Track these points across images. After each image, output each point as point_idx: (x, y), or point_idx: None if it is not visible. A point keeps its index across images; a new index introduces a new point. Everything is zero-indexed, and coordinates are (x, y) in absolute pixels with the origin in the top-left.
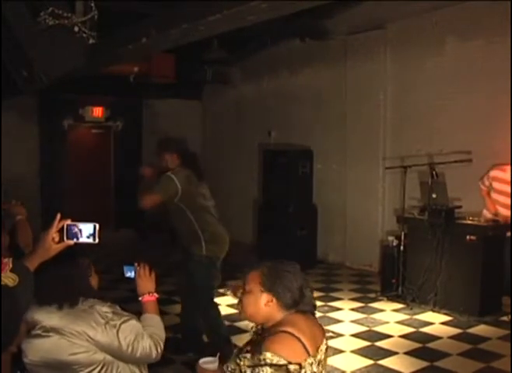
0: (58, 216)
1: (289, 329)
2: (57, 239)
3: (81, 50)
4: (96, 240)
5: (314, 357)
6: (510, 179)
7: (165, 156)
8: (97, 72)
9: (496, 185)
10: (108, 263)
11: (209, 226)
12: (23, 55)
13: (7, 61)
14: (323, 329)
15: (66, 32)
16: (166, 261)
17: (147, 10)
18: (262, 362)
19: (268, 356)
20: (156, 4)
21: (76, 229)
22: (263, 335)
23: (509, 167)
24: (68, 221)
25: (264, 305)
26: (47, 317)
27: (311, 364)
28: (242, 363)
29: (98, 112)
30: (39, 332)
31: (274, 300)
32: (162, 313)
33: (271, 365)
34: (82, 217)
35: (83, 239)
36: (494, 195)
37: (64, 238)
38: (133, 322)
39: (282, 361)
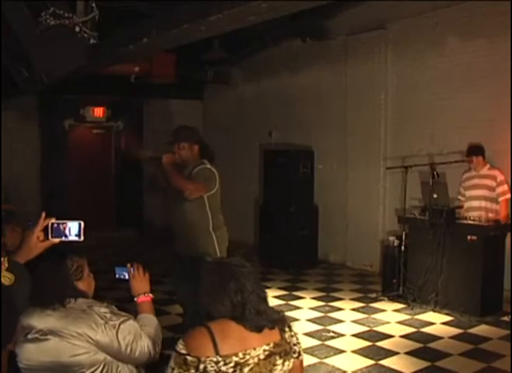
0: (43, 215)
1: (210, 324)
2: (42, 238)
3: (82, 51)
4: (82, 238)
5: (226, 357)
6: (476, 173)
7: (184, 146)
8: (98, 72)
9: (465, 184)
10: (109, 262)
11: (220, 227)
12: (24, 55)
13: (8, 61)
14: (280, 336)
15: (67, 32)
16: (166, 261)
17: (148, 10)
18: (175, 346)
19: (178, 342)
20: (156, 4)
21: (61, 227)
22: None
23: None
24: (53, 220)
25: None
26: (40, 320)
27: (217, 363)
28: None
29: (99, 112)
30: (36, 336)
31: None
32: (163, 313)
33: (176, 351)
34: (83, 217)
35: (69, 237)
36: (467, 192)
37: (49, 236)
38: (131, 323)
39: (183, 351)
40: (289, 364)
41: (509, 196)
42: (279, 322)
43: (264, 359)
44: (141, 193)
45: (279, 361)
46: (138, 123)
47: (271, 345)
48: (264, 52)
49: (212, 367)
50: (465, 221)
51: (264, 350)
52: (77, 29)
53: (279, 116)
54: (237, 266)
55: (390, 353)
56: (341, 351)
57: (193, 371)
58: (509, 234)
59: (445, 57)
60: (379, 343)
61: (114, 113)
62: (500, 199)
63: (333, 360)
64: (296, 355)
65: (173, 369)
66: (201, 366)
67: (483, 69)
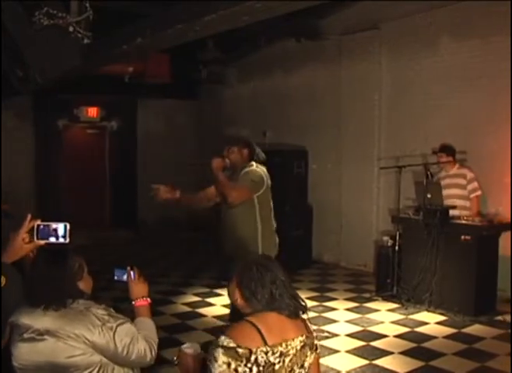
0: (29, 216)
1: (251, 319)
2: (27, 240)
3: (76, 50)
4: (67, 240)
5: (273, 347)
6: (446, 174)
7: (234, 150)
8: (92, 72)
9: (446, 182)
10: (104, 262)
11: (271, 235)
12: (19, 55)
13: (3, 62)
14: (306, 329)
15: (61, 32)
16: (163, 261)
17: (142, 10)
18: (217, 343)
19: (222, 338)
20: (151, 4)
21: (47, 229)
22: None
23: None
24: (39, 221)
25: (236, 300)
26: (37, 320)
27: (266, 353)
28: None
29: (93, 112)
30: (33, 335)
31: (242, 300)
32: (158, 313)
33: (222, 346)
34: (78, 217)
35: (55, 239)
36: (448, 191)
37: (35, 238)
38: (128, 325)
39: (232, 344)
40: (312, 357)
41: (479, 193)
42: (306, 307)
43: (300, 350)
44: (135, 193)
45: (309, 353)
46: (132, 123)
47: (304, 337)
48: (259, 52)
49: (262, 357)
50: (459, 221)
51: (300, 341)
52: (71, 29)
53: (273, 116)
54: (266, 260)
55: (384, 352)
56: (336, 351)
57: (245, 362)
58: (502, 233)
59: (439, 57)
60: (373, 343)
61: (108, 112)
62: (471, 196)
63: (327, 360)
64: (316, 350)
65: (228, 364)
66: (253, 357)
67: (478, 69)
